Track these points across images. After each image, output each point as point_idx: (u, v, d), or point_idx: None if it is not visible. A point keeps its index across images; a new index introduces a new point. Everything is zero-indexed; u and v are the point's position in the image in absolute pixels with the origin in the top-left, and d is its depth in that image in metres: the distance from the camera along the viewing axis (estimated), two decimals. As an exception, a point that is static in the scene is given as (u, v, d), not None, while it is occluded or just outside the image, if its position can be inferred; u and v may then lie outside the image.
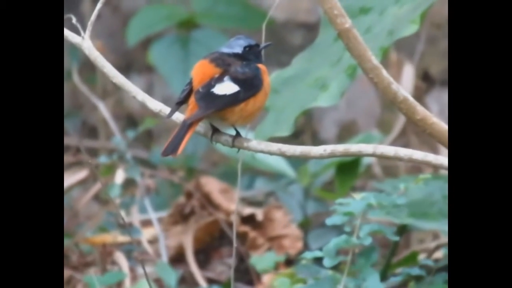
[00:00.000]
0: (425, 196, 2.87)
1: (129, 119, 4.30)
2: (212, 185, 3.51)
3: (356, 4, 2.76)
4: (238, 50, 2.38)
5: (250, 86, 2.32)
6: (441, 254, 3.03)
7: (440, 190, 2.88)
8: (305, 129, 4.04)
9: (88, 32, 2.39)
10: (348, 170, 3.39)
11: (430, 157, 2.26)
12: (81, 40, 2.39)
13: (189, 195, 3.51)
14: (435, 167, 2.29)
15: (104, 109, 4.00)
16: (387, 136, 3.79)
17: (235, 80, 2.32)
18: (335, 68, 2.72)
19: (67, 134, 4.20)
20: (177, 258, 3.44)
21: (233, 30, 3.93)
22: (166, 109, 2.36)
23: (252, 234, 3.40)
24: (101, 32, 4.28)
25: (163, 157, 2.29)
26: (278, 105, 2.78)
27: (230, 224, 3.43)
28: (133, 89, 2.38)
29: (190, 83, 2.35)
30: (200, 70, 2.36)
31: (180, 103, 2.35)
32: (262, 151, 2.33)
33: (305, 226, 3.46)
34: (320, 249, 2.67)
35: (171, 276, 3.23)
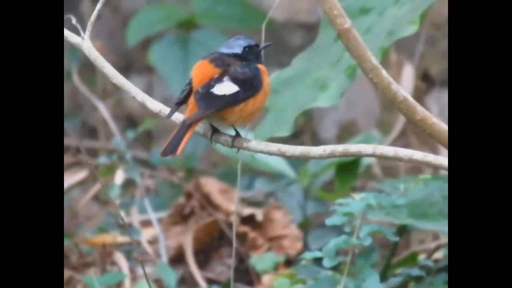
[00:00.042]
0: (425, 196, 2.87)
1: (129, 119, 4.30)
2: (211, 185, 3.51)
3: (356, 5, 2.76)
4: (238, 50, 2.38)
5: (249, 86, 2.32)
6: (441, 254, 3.03)
7: (440, 191, 2.88)
8: (305, 130, 4.04)
9: (88, 32, 2.39)
10: (348, 170, 3.39)
11: (430, 157, 2.26)
12: (81, 40, 2.39)
13: (188, 196, 3.51)
14: (435, 168, 2.29)
15: (104, 110, 4.00)
16: (387, 136, 3.79)
17: (234, 80, 2.32)
18: (335, 68, 2.72)
19: (67, 134, 4.20)
20: (177, 259, 3.44)
21: (233, 30, 3.92)
22: (166, 110, 2.36)
23: (252, 234, 3.40)
24: (101, 32, 4.28)
25: (162, 157, 2.29)
26: (278, 105, 2.78)
27: (230, 225, 3.43)
28: (133, 89, 2.38)
29: (190, 83, 2.35)
30: (200, 70, 2.36)
31: (180, 104, 2.35)
32: (261, 152, 2.33)
33: (305, 226, 3.46)
34: (320, 249, 2.67)
35: (171, 277, 3.23)
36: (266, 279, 3.26)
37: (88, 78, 4.20)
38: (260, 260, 3.32)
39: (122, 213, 3.38)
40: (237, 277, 3.34)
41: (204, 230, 3.48)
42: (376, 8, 2.74)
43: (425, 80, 3.85)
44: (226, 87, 2.32)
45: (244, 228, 3.41)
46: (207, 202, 3.49)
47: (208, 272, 3.42)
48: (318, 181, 3.51)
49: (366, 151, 2.27)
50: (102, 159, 3.40)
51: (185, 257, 3.42)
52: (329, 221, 2.67)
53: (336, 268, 2.74)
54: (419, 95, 3.74)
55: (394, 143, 3.71)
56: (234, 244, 2.63)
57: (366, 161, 3.47)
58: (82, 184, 3.77)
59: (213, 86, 2.32)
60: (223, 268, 3.44)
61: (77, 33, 2.39)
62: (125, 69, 4.24)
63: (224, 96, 2.31)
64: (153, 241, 3.52)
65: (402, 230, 2.96)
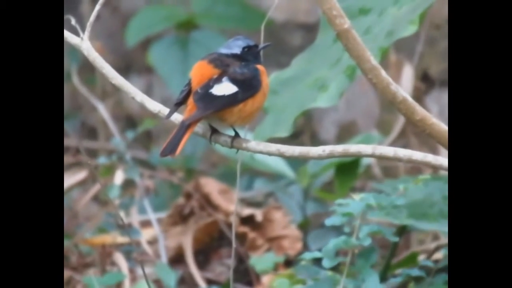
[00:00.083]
0: (425, 196, 2.87)
1: (129, 120, 4.30)
2: (211, 185, 3.51)
3: (355, 5, 2.76)
4: (237, 50, 2.38)
5: (248, 86, 2.32)
6: (441, 255, 3.03)
7: (439, 191, 2.88)
8: (304, 130, 4.04)
9: (87, 33, 2.39)
10: (348, 170, 3.38)
11: (429, 157, 2.26)
12: (80, 41, 2.39)
13: (188, 196, 3.51)
14: (435, 168, 2.29)
15: (103, 110, 4.00)
16: (386, 136, 3.79)
17: (233, 80, 2.32)
18: (334, 69, 2.72)
19: (66, 135, 4.20)
20: (177, 259, 3.44)
21: (232, 30, 3.92)
22: (165, 110, 2.36)
23: (251, 234, 3.40)
24: (101, 33, 4.27)
25: (162, 158, 2.29)
26: (277, 106, 2.78)
27: (229, 225, 3.43)
28: (132, 90, 2.38)
29: (189, 84, 2.35)
30: (199, 71, 2.36)
31: (179, 104, 2.35)
32: (261, 152, 2.33)
33: (305, 226, 3.46)
34: (320, 249, 2.67)
35: (171, 277, 3.23)
36: (265, 279, 3.26)
37: (88, 78, 4.19)
38: (260, 260, 3.32)
39: (122, 214, 3.38)
40: (237, 278, 3.34)
41: (204, 231, 3.48)
42: (376, 9, 2.74)
43: (424, 81, 3.85)
44: (225, 88, 2.32)
45: (244, 229, 3.41)
46: (207, 203, 3.48)
47: (207, 273, 3.42)
48: (317, 181, 3.51)
49: (365, 152, 2.27)
50: (102, 160, 3.40)
51: (185, 258, 3.41)
52: (328, 222, 2.67)
53: (335, 269, 2.74)
54: (418, 96, 3.74)
55: (393, 144, 3.70)
56: (234, 245, 2.63)
57: (365, 161, 3.47)
58: (82, 184, 3.77)
59: (212, 87, 2.32)
60: (223, 268, 3.44)
61: (76, 33, 2.39)
62: (125, 70, 4.24)
63: (223, 96, 2.31)
64: (152, 242, 3.52)
65: (402, 231, 2.96)
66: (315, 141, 3.99)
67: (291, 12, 4.03)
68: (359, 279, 2.65)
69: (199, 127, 2.36)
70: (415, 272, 2.75)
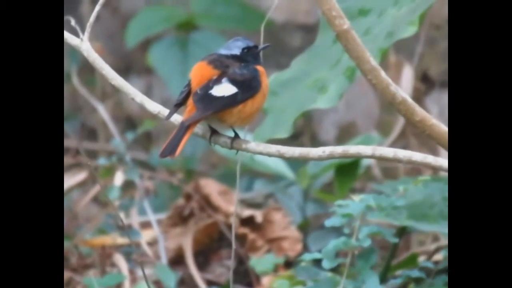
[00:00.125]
0: (425, 198, 2.86)
1: (128, 121, 4.29)
2: (211, 187, 3.51)
3: (355, 6, 2.76)
4: (236, 51, 2.38)
5: (248, 87, 2.32)
6: (441, 256, 3.02)
7: (439, 192, 2.87)
8: (304, 131, 4.04)
9: (87, 34, 2.39)
10: (348, 171, 3.38)
11: (429, 158, 2.26)
12: (80, 42, 2.39)
13: (188, 197, 3.51)
14: (435, 169, 2.29)
15: (103, 111, 4.00)
16: (386, 137, 3.78)
17: (233, 81, 2.32)
18: (334, 70, 2.72)
19: (66, 136, 4.20)
20: (177, 260, 3.44)
21: (232, 31, 3.92)
22: (165, 111, 2.36)
23: (251, 236, 3.40)
24: (100, 34, 4.27)
25: (161, 159, 2.29)
26: (277, 107, 2.78)
27: (229, 226, 3.43)
28: (132, 91, 2.38)
29: (189, 84, 2.35)
30: (198, 72, 2.36)
31: (179, 105, 2.35)
32: (260, 153, 2.32)
33: (305, 228, 3.46)
34: (320, 251, 2.67)
35: (171, 278, 3.23)
36: (265, 280, 3.26)
37: (88, 79, 4.19)
38: (260, 261, 3.32)
39: (122, 215, 3.38)
40: (237, 279, 3.34)
41: (204, 232, 3.47)
42: (375, 9, 2.74)
43: (424, 81, 3.85)
44: (225, 89, 2.31)
45: (244, 230, 3.41)
46: (207, 204, 3.48)
47: (207, 274, 3.42)
48: (317, 182, 3.50)
49: (365, 153, 2.27)
50: (102, 161, 3.40)
51: (185, 259, 3.41)
52: (328, 223, 2.67)
53: (335, 270, 2.74)
54: (418, 96, 3.74)
55: (393, 144, 3.70)
56: (234, 246, 2.63)
57: (365, 162, 3.47)
58: (82, 185, 3.76)
59: (211, 88, 2.32)
60: (223, 269, 3.44)
61: (76, 34, 2.39)
62: (125, 71, 4.24)
63: (222, 97, 2.31)
64: (152, 243, 3.51)
65: (402, 232, 2.95)
66: (315, 142, 3.99)
67: (290, 13, 4.03)
68: (359, 280, 2.65)
69: (199, 128, 2.36)
70: (415, 273, 2.74)
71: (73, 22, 2.38)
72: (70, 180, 3.70)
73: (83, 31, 2.39)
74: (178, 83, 3.88)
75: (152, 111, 2.37)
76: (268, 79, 2.41)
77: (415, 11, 2.64)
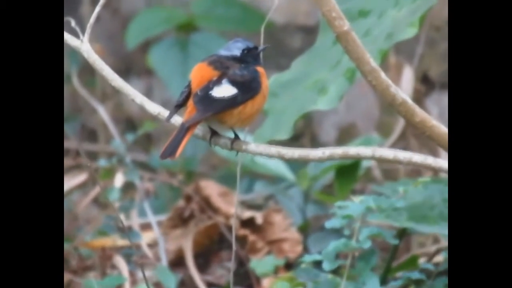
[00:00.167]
0: (425, 199, 2.86)
1: (129, 122, 4.29)
2: (211, 188, 3.50)
3: (355, 7, 2.76)
4: (237, 52, 2.38)
5: (248, 88, 2.32)
6: (442, 258, 3.02)
7: (440, 193, 2.87)
8: (304, 132, 4.03)
9: (87, 35, 2.39)
10: (348, 173, 3.38)
11: (429, 160, 2.26)
12: (80, 43, 2.39)
13: (188, 199, 3.51)
14: (435, 170, 2.29)
15: (103, 113, 4.00)
16: (386, 139, 3.78)
17: (233, 82, 2.32)
18: (334, 71, 2.72)
19: (66, 137, 4.20)
20: (177, 262, 3.43)
21: (232, 32, 3.92)
22: (165, 112, 2.36)
23: (251, 237, 3.40)
24: (101, 35, 4.27)
25: (162, 160, 2.29)
26: (277, 108, 2.77)
27: (229, 228, 3.43)
28: (132, 92, 2.38)
29: (189, 86, 2.35)
30: (199, 73, 2.36)
31: (179, 106, 2.35)
32: (260, 154, 2.32)
33: (305, 229, 3.45)
34: (320, 252, 2.67)
35: (171, 280, 3.22)
36: (266, 282, 3.26)
37: (88, 81, 4.19)
38: (260, 263, 3.32)
39: (122, 216, 3.38)
40: (237, 281, 3.34)
41: (204, 233, 3.47)
42: (375, 11, 2.74)
43: (424, 83, 3.85)
44: (225, 90, 2.31)
45: (244, 231, 3.41)
46: (207, 205, 3.48)
47: (207, 276, 3.42)
48: (317, 184, 3.50)
49: (365, 154, 2.27)
50: (102, 162, 3.40)
51: (185, 261, 3.41)
52: (328, 224, 2.67)
53: (336, 272, 2.74)
54: (418, 98, 3.73)
55: (393, 146, 3.70)
56: (234, 247, 2.63)
57: (365, 163, 3.47)
58: (82, 187, 3.76)
59: (211, 89, 2.32)
60: (223, 271, 3.44)
61: (76, 35, 2.39)
62: (125, 72, 4.24)
63: (222, 98, 2.31)
64: (152, 244, 3.51)
65: (402, 233, 2.95)
66: (315, 143, 3.99)
67: (291, 14, 4.02)
68: (359, 282, 2.65)
69: (199, 129, 2.36)
70: (416, 275, 2.74)
71: (73, 23, 2.38)
72: (70, 181, 3.70)
73: (83, 32, 2.39)
74: (178, 84, 3.88)
75: (152, 112, 2.37)
76: (268, 80, 2.41)
77: (415, 12, 2.64)
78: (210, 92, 2.31)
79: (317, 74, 2.75)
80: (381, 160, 2.27)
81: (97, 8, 2.40)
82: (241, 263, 3.39)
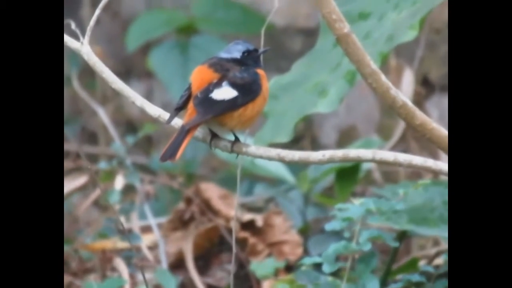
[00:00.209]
0: (425, 201, 2.86)
1: (129, 125, 4.29)
2: (211, 191, 3.50)
3: (355, 9, 2.76)
4: (237, 55, 2.38)
5: (248, 91, 2.32)
6: (442, 260, 3.02)
7: (440, 196, 2.87)
8: (305, 135, 4.03)
9: (87, 37, 2.39)
10: (348, 175, 3.38)
11: (429, 162, 2.26)
12: (80, 45, 2.39)
13: (188, 201, 3.51)
14: (435, 173, 2.29)
15: (103, 115, 4.00)
16: (387, 141, 3.78)
17: (233, 85, 2.32)
18: (334, 73, 2.72)
19: (66, 140, 4.20)
20: (177, 264, 3.43)
21: (232, 35, 3.92)
22: (165, 115, 2.36)
23: (252, 240, 3.40)
24: (101, 37, 4.27)
25: (162, 163, 2.29)
26: (277, 111, 2.77)
27: (229, 230, 3.43)
28: (132, 94, 2.38)
29: (189, 88, 2.35)
30: (199, 75, 2.36)
31: (179, 109, 2.35)
32: (261, 157, 2.32)
33: (305, 232, 3.45)
34: (320, 255, 2.67)
35: (171, 282, 3.22)
36: (266, 285, 3.26)
37: (88, 83, 4.19)
38: (260, 265, 3.31)
39: (122, 219, 3.38)
40: (237, 283, 3.33)
41: (204, 236, 3.47)
42: (376, 13, 2.74)
43: (425, 85, 3.85)
44: (225, 92, 2.31)
45: (244, 234, 3.41)
46: (207, 208, 3.48)
47: (208, 278, 3.42)
48: (318, 186, 3.50)
49: (365, 156, 2.27)
50: (102, 165, 3.40)
51: (185, 263, 3.41)
52: (328, 227, 2.67)
53: (336, 274, 2.74)
54: (419, 100, 3.74)
55: (394, 148, 3.70)
56: (234, 250, 2.63)
57: (366, 166, 3.47)
58: (82, 189, 3.76)
59: (212, 91, 2.32)
60: (223, 273, 3.44)
61: (76, 38, 2.39)
62: (125, 74, 4.24)
63: (223, 101, 2.31)
64: (153, 247, 3.51)
65: (402, 236, 2.95)
66: (315, 146, 3.99)
67: (291, 17, 4.03)
68: (360, 284, 2.65)
69: (199, 132, 2.36)
70: (416, 277, 2.74)
71: (73, 26, 2.39)
72: (70, 184, 3.69)
73: (83, 34, 2.39)
74: (178, 86, 3.88)
75: (153, 114, 2.37)
76: (269, 82, 2.41)
77: (415, 15, 2.64)
78: (210, 94, 2.31)
79: (318, 76, 2.75)
80: (381, 163, 2.27)
81: (97, 11, 2.40)
82: (241, 266, 3.39)
